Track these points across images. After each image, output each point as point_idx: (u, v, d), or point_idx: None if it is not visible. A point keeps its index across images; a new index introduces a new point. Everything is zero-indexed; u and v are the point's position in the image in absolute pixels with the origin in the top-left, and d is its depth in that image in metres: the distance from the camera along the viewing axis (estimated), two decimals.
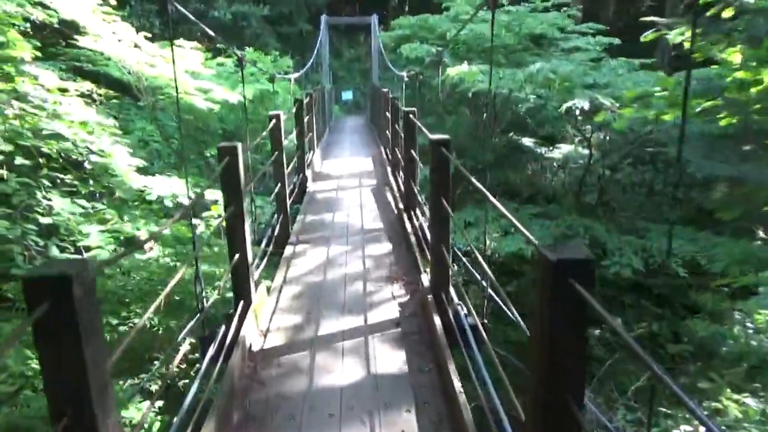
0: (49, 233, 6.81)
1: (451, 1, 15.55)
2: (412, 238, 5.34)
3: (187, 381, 4.62)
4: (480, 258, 3.01)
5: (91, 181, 7.03)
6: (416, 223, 5.69)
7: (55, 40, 11.82)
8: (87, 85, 9.33)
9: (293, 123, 7.92)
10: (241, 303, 3.60)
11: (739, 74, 5.17)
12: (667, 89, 5.92)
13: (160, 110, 12.04)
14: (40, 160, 6.86)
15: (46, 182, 6.85)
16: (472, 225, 10.81)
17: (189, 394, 2.74)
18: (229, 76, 12.93)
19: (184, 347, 3.17)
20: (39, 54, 8.03)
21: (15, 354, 3.74)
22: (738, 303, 9.52)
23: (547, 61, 10.98)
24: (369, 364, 3.28)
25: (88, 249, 6.79)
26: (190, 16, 3.45)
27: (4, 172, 5.77)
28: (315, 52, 18.55)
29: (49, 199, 5.42)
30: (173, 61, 3.45)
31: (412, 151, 5.98)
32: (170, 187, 7.40)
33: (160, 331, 5.30)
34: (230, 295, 4.03)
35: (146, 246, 6.48)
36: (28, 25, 8.11)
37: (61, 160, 6.97)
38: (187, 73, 10.77)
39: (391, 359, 3.33)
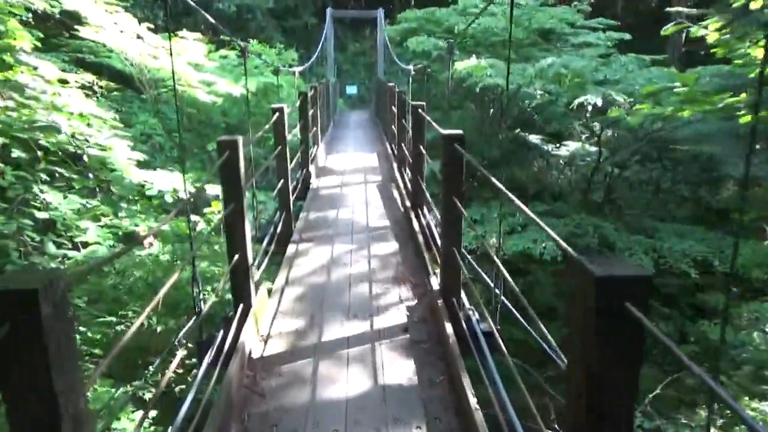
0: (46, 228, 6.64)
1: None
2: (420, 237, 5.14)
3: (183, 386, 4.43)
4: (497, 260, 2.80)
5: (90, 175, 6.86)
6: (423, 222, 5.49)
7: (58, 32, 11.65)
8: (88, 77, 9.16)
9: (297, 117, 7.72)
10: (241, 306, 3.41)
11: None
12: (687, 85, 5.69)
13: (163, 103, 11.87)
14: (39, 153, 6.69)
15: (44, 176, 6.67)
16: (477, 222, 10.62)
17: (184, 404, 2.56)
18: (233, 68, 12.75)
19: (181, 352, 2.98)
20: (39, 45, 7.85)
21: None
22: (751, 305, 9.32)
23: (557, 57, 10.76)
24: (376, 373, 3.08)
25: (85, 245, 6.62)
26: (192, 3, 3.25)
27: None
28: (320, 45, 18.31)
29: (44, 192, 5.21)
30: (170, 52, 3.25)
31: (421, 147, 5.77)
32: (171, 182, 7.22)
33: (159, 330, 5.12)
34: (229, 296, 3.85)
35: (146, 242, 6.31)
36: (30, 15, 7.92)
37: (60, 154, 6.80)
38: (190, 65, 10.59)
39: (399, 369, 3.13)
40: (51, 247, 6.17)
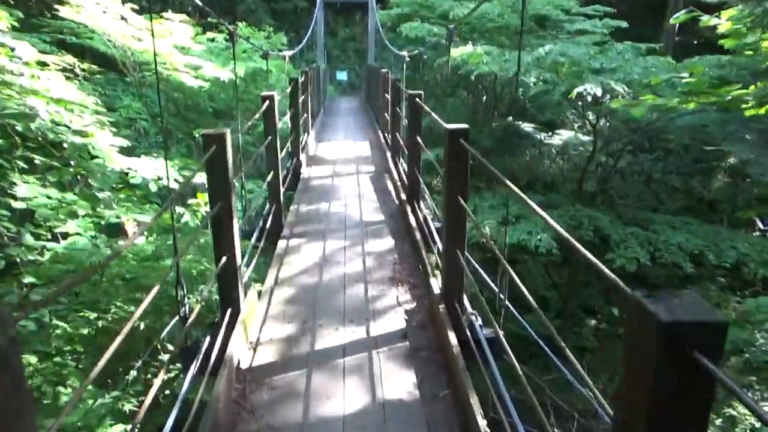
0: (23, 218, 6.33)
1: None
2: (417, 234, 4.91)
3: (168, 392, 4.18)
4: (505, 263, 2.59)
5: (72, 162, 6.54)
6: (420, 216, 5.26)
7: (39, 11, 11.21)
8: (69, 59, 8.78)
9: (287, 103, 7.44)
10: (229, 311, 3.17)
11: None
12: (694, 75, 5.49)
13: (147, 86, 11.48)
14: (16, 139, 6.36)
15: (21, 164, 6.35)
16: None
17: (169, 419, 2.34)
18: (221, 52, 12.36)
19: (166, 366, 2.75)
20: (16, 24, 7.47)
21: None
22: (746, 300, 9.23)
23: (553, 44, 10.52)
24: (374, 386, 2.87)
25: (65, 236, 6.32)
26: None
27: None
28: (310, 30, 17.91)
29: (16, 186, 4.91)
30: (152, 33, 2.99)
31: (418, 138, 5.53)
32: (155, 170, 6.92)
33: (142, 327, 4.87)
34: (216, 297, 3.61)
35: (130, 236, 6.03)
36: None
37: (39, 140, 6.46)
38: (176, 48, 10.21)
39: (399, 381, 2.92)
40: (29, 239, 5.88)
